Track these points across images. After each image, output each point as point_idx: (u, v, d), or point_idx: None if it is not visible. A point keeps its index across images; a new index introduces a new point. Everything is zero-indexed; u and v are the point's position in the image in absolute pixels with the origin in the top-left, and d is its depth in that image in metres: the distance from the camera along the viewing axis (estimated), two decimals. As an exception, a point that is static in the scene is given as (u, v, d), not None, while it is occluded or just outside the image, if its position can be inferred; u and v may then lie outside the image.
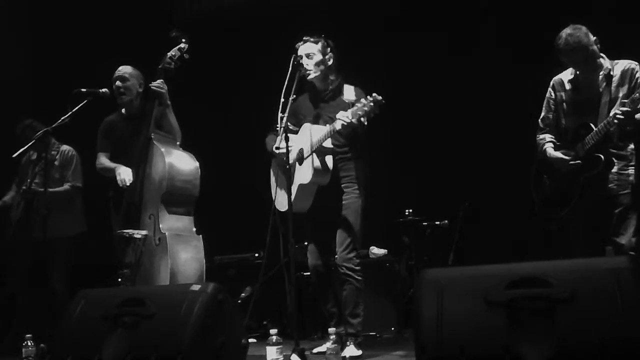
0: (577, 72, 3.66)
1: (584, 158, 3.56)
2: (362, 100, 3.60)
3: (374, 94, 3.57)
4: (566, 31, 3.53)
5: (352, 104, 3.67)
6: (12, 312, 5.03)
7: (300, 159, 3.92)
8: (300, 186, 3.87)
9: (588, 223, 3.63)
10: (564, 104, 3.72)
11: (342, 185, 3.93)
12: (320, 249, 4.04)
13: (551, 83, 3.79)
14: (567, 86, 3.70)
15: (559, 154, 3.68)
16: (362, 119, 3.60)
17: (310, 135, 3.87)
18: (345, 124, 3.62)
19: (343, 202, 3.91)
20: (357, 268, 3.88)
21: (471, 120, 5.48)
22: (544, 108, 3.83)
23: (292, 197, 3.67)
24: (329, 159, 3.84)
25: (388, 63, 5.78)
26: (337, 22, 5.67)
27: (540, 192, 3.84)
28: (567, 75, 3.72)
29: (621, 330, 1.98)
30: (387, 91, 3.64)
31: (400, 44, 5.77)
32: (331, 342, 3.71)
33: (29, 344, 3.58)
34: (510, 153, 5.14)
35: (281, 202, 3.97)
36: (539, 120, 3.86)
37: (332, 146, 3.84)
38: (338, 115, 3.67)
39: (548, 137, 3.79)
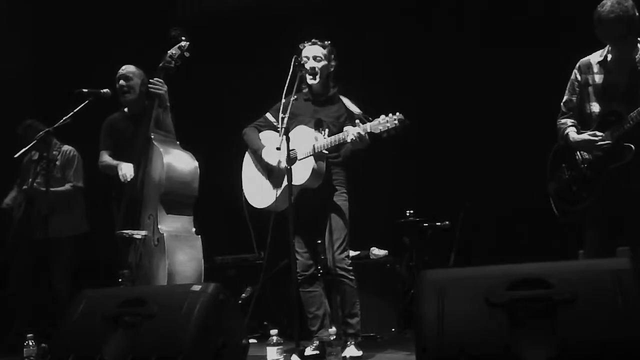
0: (608, 55, 3.35)
1: (612, 146, 3.26)
2: (383, 116, 3.55)
3: (397, 113, 3.52)
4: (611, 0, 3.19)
5: (365, 118, 3.66)
6: (13, 312, 5.03)
7: (294, 159, 3.82)
8: (292, 186, 3.74)
9: (605, 220, 3.35)
10: (590, 87, 3.41)
11: (331, 188, 3.93)
12: (311, 249, 4.02)
13: (577, 65, 3.48)
14: (595, 68, 3.39)
15: (584, 135, 3.36)
16: (384, 134, 3.56)
17: (309, 138, 3.85)
18: (357, 136, 3.60)
19: (333, 204, 3.91)
20: (350, 268, 3.89)
21: (472, 120, 5.47)
22: (567, 91, 3.51)
23: (277, 196, 3.72)
24: (324, 164, 3.86)
25: (389, 63, 5.78)
26: (337, 23, 5.67)
27: (556, 181, 3.54)
28: (596, 57, 3.41)
29: (622, 331, 1.98)
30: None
31: (401, 44, 5.78)
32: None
33: (30, 343, 3.59)
34: (512, 153, 5.14)
35: (259, 200, 4.06)
36: (562, 104, 3.54)
37: (326, 151, 3.85)
38: (350, 129, 3.66)
39: (570, 121, 3.48)
